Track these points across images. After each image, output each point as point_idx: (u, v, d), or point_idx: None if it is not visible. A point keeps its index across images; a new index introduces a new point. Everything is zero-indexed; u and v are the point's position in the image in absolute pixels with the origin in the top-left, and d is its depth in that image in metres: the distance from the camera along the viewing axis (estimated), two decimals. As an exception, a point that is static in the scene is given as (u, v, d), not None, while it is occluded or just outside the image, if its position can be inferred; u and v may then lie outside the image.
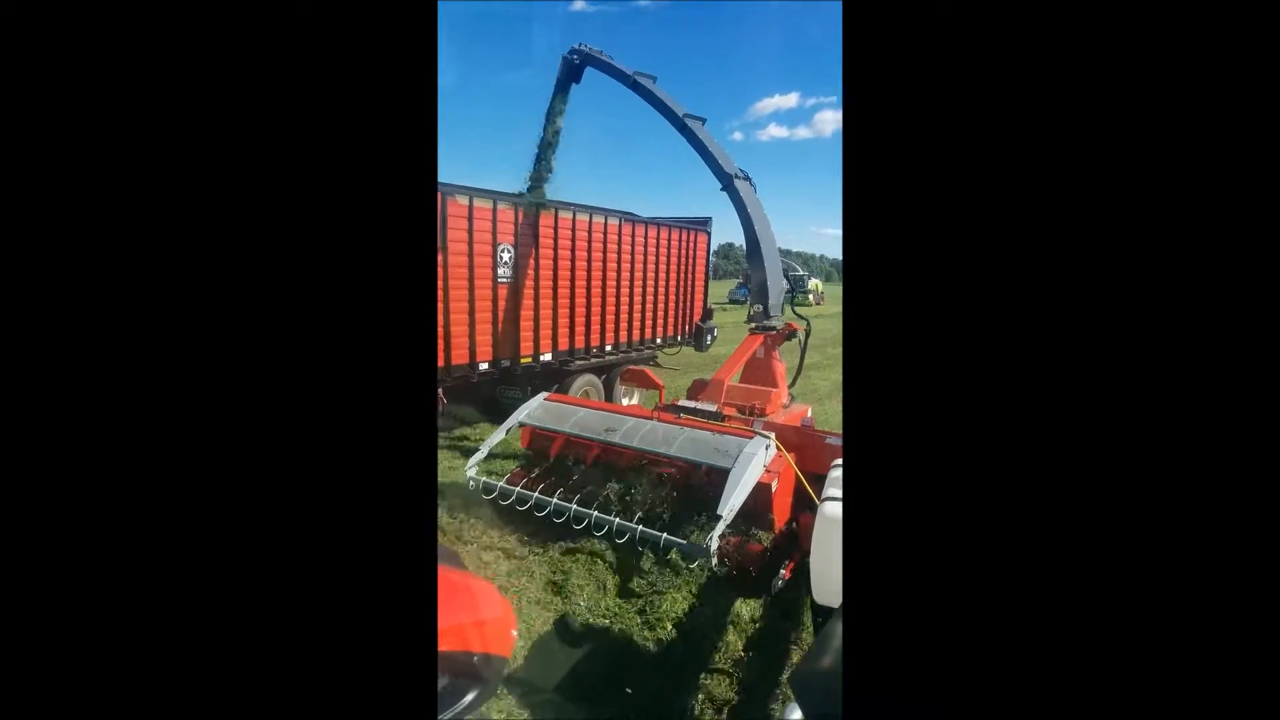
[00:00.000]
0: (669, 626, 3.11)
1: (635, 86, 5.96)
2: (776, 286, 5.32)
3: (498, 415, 4.90)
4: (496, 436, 4.37)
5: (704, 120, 5.85)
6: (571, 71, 6.27)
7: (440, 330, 5.28)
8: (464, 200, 5.32)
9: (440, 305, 5.23)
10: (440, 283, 5.20)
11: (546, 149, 6.20)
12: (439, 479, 4.97)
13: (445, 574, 1.30)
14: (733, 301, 26.03)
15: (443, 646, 1.12)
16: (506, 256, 5.80)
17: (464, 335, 5.52)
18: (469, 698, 1.10)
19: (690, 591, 3.39)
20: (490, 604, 1.32)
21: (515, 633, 1.42)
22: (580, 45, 6.22)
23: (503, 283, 5.81)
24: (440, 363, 5.33)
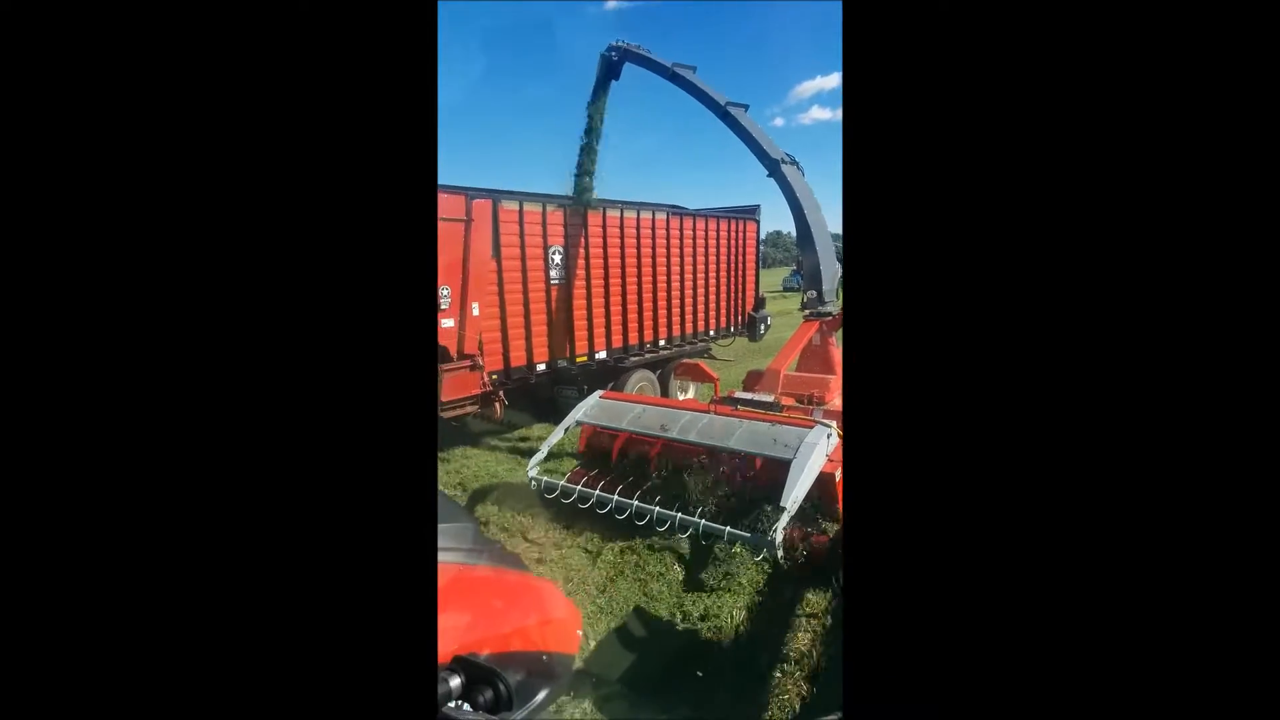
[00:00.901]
0: (736, 620, 3.09)
1: (675, 79, 5.92)
2: (830, 270, 5.19)
3: (555, 415, 4.97)
4: (555, 436, 4.44)
5: (746, 107, 5.76)
6: (611, 69, 6.25)
7: (498, 334, 5.40)
8: (513, 205, 5.41)
9: (496, 310, 5.35)
10: (495, 288, 5.32)
11: (589, 148, 6.21)
12: (501, 479, 5.09)
13: (509, 576, 1.33)
14: (787, 289, 25.60)
15: (512, 647, 1.15)
16: (558, 258, 5.87)
17: (521, 338, 5.63)
18: (540, 696, 1.12)
19: (756, 584, 3.37)
20: (555, 603, 1.34)
21: (581, 631, 1.44)
22: (618, 41, 6.20)
23: (555, 284, 5.88)
24: (500, 366, 5.45)
